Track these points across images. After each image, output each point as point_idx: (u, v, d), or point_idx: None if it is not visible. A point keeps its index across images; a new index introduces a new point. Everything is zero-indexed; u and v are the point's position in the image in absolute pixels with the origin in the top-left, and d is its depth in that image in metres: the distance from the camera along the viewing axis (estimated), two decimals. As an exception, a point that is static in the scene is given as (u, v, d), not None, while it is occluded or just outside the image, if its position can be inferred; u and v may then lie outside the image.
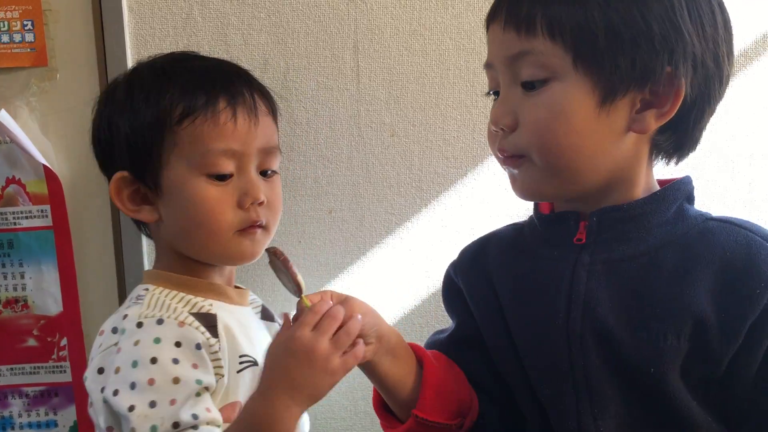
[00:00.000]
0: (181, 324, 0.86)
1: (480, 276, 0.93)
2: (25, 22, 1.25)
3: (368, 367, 0.90)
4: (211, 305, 0.92)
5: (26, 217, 1.29)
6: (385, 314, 1.22)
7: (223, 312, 0.92)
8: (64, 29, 1.24)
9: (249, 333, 0.95)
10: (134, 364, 0.82)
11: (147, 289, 0.92)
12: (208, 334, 0.86)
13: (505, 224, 0.99)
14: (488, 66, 0.85)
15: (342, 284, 1.32)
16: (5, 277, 1.31)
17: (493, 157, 0.88)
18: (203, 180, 0.89)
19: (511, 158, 0.82)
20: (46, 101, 1.25)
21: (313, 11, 1.24)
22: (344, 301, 0.88)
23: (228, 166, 0.90)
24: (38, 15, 1.25)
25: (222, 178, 0.90)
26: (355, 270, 1.31)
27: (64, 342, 1.32)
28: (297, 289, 0.88)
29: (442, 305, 1.21)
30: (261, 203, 0.92)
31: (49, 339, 1.33)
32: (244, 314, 0.97)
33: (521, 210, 1.23)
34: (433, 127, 1.27)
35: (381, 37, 1.25)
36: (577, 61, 0.76)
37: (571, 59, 0.76)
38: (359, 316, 0.86)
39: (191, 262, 0.95)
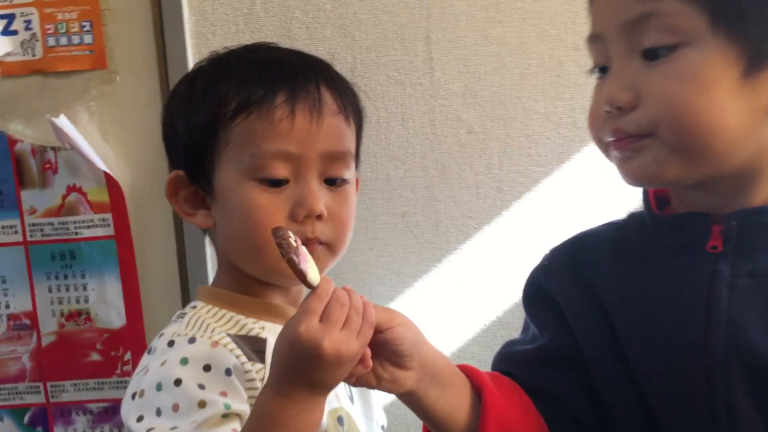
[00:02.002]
0: (215, 344, 0.79)
1: (579, 284, 0.83)
2: (83, 23, 1.24)
3: (410, 399, 0.77)
4: (263, 328, 0.85)
5: (88, 227, 1.28)
6: (464, 327, 1.27)
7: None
8: (123, 29, 1.23)
9: None
10: (158, 387, 0.77)
11: (194, 307, 0.87)
12: (244, 358, 0.79)
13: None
14: (595, 38, 0.76)
15: (417, 294, 1.28)
16: (68, 289, 1.30)
17: (594, 144, 0.79)
18: (254, 185, 0.82)
19: (628, 140, 0.72)
20: (106, 105, 1.24)
21: (382, 0, 1.21)
22: (381, 311, 0.76)
23: (281, 171, 0.82)
24: (96, 15, 1.23)
25: (276, 183, 0.82)
26: (430, 278, 1.27)
27: (127, 356, 1.31)
28: (305, 284, 0.72)
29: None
30: (319, 216, 0.83)
31: (112, 353, 1.31)
32: None
33: (616, 213, 1.10)
34: (514, 122, 1.23)
35: (455, 26, 1.21)
36: (716, 22, 0.67)
37: (708, 21, 0.67)
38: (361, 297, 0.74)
39: (248, 277, 0.88)
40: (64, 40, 1.23)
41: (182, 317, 0.85)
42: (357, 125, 0.91)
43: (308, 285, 0.70)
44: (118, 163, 1.26)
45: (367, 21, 1.21)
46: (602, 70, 0.76)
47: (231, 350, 0.79)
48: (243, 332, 0.83)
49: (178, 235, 1.28)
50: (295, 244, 0.70)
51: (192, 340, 0.80)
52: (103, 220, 1.27)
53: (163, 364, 0.78)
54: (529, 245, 1.25)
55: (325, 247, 0.85)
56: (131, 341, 1.31)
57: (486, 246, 1.27)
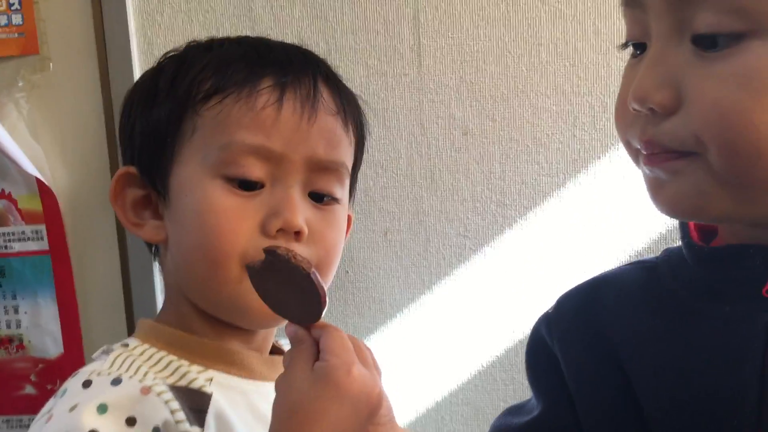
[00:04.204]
0: (146, 390, 0.69)
1: (589, 336, 0.74)
2: (11, 1, 1.14)
3: None
4: (210, 380, 0.75)
5: (19, 240, 1.20)
6: (457, 367, 1.20)
7: (230, 393, 0.76)
8: (56, 7, 1.15)
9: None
10: None
11: (126, 345, 0.76)
12: (181, 414, 0.70)
13: (625, 261, 0.86)
14: (632, 3, 0.65)
15: (401, 327, 1.19)
16: (-3, 312, 1.24)
17: (623, 149, 0.68)
18: (219, 184, 0.72)
19: (666, 156, 0.62)
20: (37, 97, 1.16)
21: (360, -27, 1.14)
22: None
23: (256, 171, 0.73)
24: (27, -9, 1.16)
25: (247, 185, 0.73)
26: (417, 308, 1.18)
27: None
28: (319, 306, 0.66)
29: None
30: (298, 234, 0.73)
31: (48, 387, 1.23)
32: (269, 397, 0.79)
33: (647, 235, 1.12)
34: (519, 122, 1.14)
35: (449, 4, 1.13)
36: None
37: None
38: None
39: (200, 317, 0.78)
40: (-11, 21, 1.16)
41: (107, 354, 0.75)
42: (357, 139, 0.83)
43: (315, 314, 0.66)
44: (52, 165, 1.18)
45: (343, -2, 1.14)
46: (638, 47, 0.65)
47: (166, 402, 0.69)
48: (182, 383, 0.73)
49: (122, 250, 1.20)
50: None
51: (116, 382, 0.69)
52: (36, 232, 1.19)
53: (72, 409, 0.67)
54: (535, 271, 1.17)
55: None
56: (69, 373, 1.18)
57: (484, 270, 1.19)
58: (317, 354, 0.66)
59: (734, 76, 0.57)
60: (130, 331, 1.18)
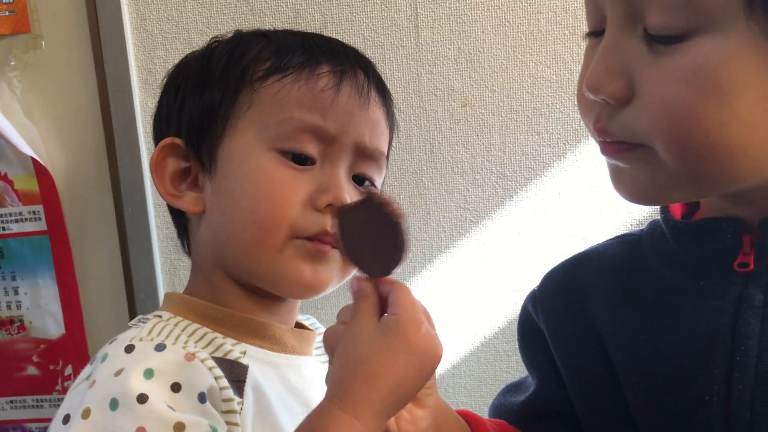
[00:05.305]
0: (190, 357, 0.68)
1: (571, 312, 0.75)
2: None
3: None
4: (243, 353, 0.75)
5: (16, 221, 1.19)
6: (459, 339, 1.19)
7: (263, 367, 0.76)
8: None
9: (305, 399, 0.77)
10: (113, 405, 0.64)
11: (159, 317, 0.76)
12: (224, 381, 0.70)
13: (612, 235, 0.80)
14: None
15: None
16: (-3, 293, 1.23)
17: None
18: (273, 156, 0.75)
19: (616, 146, 0.62)
20: (30, 76, 1.15)
21: (355, -57, 1.09)
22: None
23: (310, 147, 0.75)
24: (16, -32, 1.14)
25: (300, 160, 0.75)
26: (418, 281, 1.17)
27: (68, 370, 1.23)
28: (399, 256, 0.67)
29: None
30: None
31: (51, 367, 1.23)
32: (301, 370, 0.80)
33: (648, 206, 1.07)
34: (518, 92, 1.12)
35: None
36: (753, 4, 0.55)
37: (743, 1, 0.55)
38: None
39: (232, 287, 0.79)
40: (-22, -1, 1.14)
41: (143, 322, 0.75)
42: (390, 137, 0.87)
43: (390, 265, 0.65)
44: (47, 145, 1.18)
45: (338, -32, 1.10)
46: (599, 34, 0.64)
47: (210, 368, 0.69)
48: (219, 354, 0.73)
49: (120, 230, 1.19)
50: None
51: (161, 347, 0.69)
52: (34, 212, 1.19)
53: (118, 373, 0.66)
54: (537, 243, 1.15)
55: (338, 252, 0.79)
56: (72, 353, 1.23)
57: (485, 243, 1.17)
58: (382, 310, 0.67)
59: (683, 72, 0.56)
60: (131, 310, 1.20)
